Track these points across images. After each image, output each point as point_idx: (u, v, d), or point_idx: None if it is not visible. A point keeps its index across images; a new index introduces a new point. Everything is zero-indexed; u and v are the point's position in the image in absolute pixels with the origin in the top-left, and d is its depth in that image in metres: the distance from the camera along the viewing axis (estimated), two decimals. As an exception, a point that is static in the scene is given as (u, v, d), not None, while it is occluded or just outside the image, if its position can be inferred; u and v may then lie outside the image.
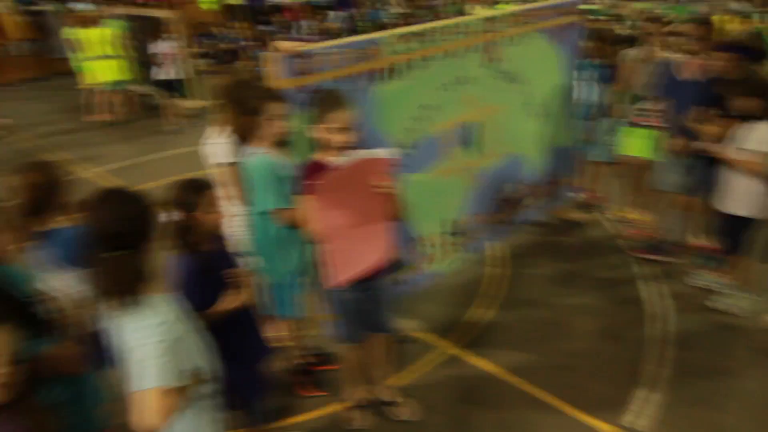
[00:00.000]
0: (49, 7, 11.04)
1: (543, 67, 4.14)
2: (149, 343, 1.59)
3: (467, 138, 3.67)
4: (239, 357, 2.20)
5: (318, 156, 2.42)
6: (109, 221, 1.64)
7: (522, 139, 4.15)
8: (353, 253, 2.39)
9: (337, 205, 2.27)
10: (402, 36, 3.06)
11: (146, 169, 6.38)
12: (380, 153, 2.28)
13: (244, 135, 2.62)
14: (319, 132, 2.30)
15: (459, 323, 3.62)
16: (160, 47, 7.61)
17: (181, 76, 7.85)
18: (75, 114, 8.64)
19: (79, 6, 9.60)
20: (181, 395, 1.66)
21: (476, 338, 3.48)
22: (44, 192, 2.07)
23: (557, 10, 4.09)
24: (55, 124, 8.44)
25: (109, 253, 1.63)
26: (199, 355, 1.85)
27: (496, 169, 3.98)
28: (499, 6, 11.87)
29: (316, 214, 2.27)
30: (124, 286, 1.62)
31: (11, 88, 10.86)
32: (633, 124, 4.31)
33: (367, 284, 2.56)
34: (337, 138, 2.25)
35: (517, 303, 3.81)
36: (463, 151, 3.67)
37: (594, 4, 11.51)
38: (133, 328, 1.63)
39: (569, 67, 4.40)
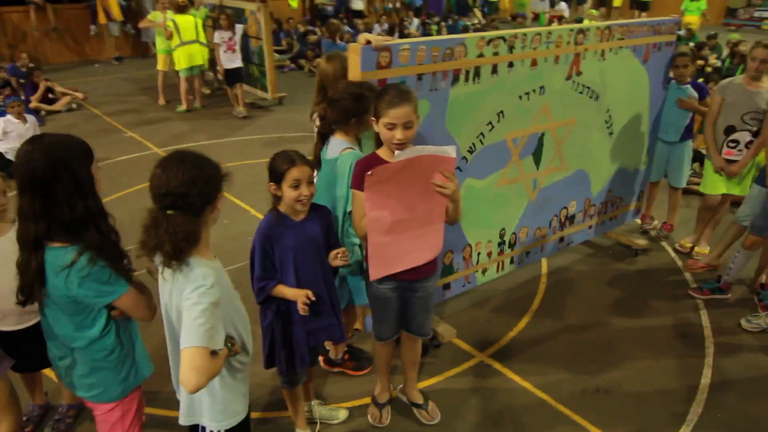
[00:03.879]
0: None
1: (629, 86, 3.95)
2: (200, 303, 1.60)
3: (535, 149, 3.55)
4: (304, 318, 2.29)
5: (379, 152, 2.37)
6: (174, 180, 1.63)
7: (592, 156, 3.97)
8: (398, 249, 2.30)
9: (388, 199, 2.19)
10: (489, 40, 2.99)
11: (212, 152, 6.55)
12: (448, 150, 2.15)
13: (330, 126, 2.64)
14: (379, 127, 2.25)
15: (498, 335, 3.50)
16: (226, 36, 7.70)
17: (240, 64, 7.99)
18: (154, 96, 9.02)
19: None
20: (220, 359, 1.67)
21: (513, 351, 3.36)
22: None
23: (654, 29, 3.89)
24: (131, 102, 8.80)
25: (168, 210, 1.64)
26: (235, 325, 1.86)
27: (560, 183, 3.83)
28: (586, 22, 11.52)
29: (364, 206, 2.21)
30: (176, 244, 1.62)
31: (104, 65, 11.56)
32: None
33: (407, 284, 2.49)
34: (396, 134, 2.18)
35: (563, 322, 3.65)
36: (529, 163, 3.56)
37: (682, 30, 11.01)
38: (184, 289, 1.64)
39: (657, 89, 4.19)
